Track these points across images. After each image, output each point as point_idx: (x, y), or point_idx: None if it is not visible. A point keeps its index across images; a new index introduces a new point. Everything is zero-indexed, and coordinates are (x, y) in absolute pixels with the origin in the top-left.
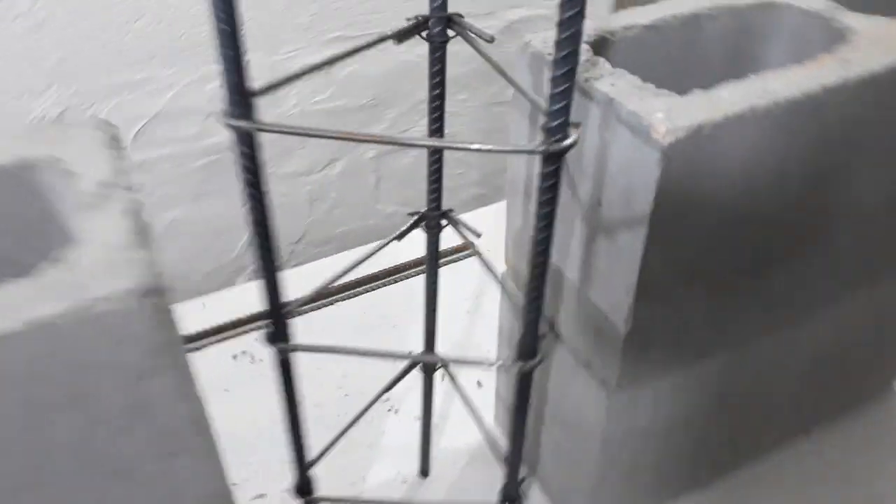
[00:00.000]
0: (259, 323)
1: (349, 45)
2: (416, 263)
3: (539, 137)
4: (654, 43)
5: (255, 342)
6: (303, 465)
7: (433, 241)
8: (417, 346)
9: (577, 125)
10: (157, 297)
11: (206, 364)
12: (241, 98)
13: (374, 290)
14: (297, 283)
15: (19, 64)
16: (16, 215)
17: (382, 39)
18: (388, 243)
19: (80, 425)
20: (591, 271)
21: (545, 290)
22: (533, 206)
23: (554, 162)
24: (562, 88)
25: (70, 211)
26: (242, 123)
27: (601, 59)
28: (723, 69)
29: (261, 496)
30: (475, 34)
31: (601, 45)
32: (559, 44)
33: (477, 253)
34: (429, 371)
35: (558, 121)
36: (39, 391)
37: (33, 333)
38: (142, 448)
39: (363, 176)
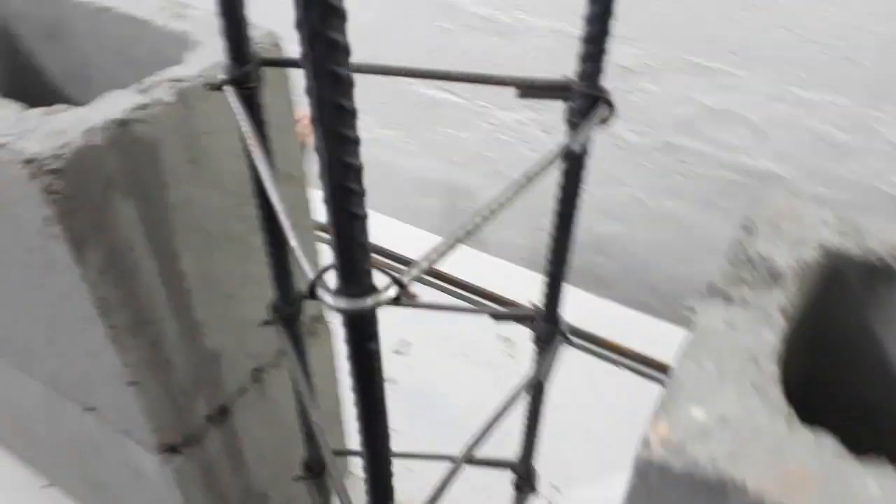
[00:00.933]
0: None
1: None
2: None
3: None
4: None
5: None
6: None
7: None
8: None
9: (399, 285)
10: (47, 176)
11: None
12: (238, 57)
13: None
14: None
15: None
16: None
17: (503, 82)
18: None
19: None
20: None
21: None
22: None
23: (353, 323)
24: (339, 244)
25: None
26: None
27: (780, 288)
28: None
29: None
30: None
31: (871, 272)
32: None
33: None
34: (523, 489)
35: (348, 277)
36: None
37: None
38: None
39: None
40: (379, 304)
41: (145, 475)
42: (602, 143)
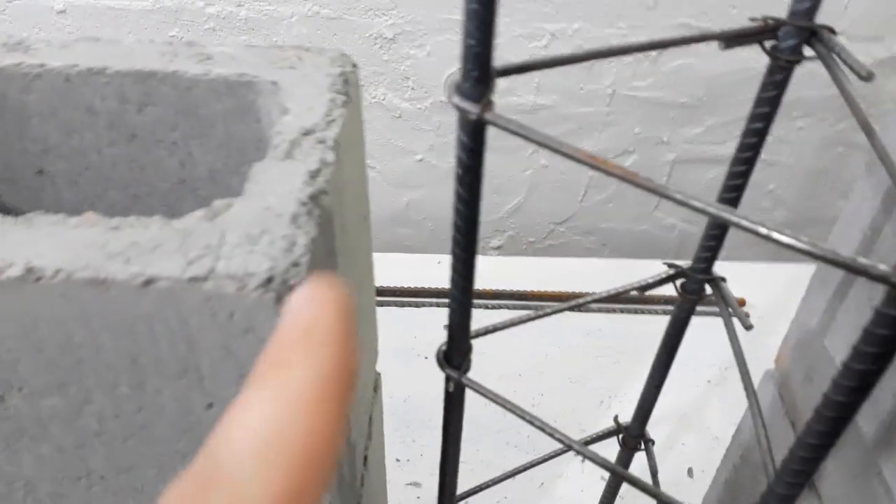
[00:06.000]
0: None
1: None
2: (662, 300)
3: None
4: None
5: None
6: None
7: (683, 310)
8: (626, 403)
9: None
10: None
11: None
12: (480, 75)
13: (599, 311)
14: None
15: None
16: (232, 133)
17: (703, 38)
18: (625, 292)
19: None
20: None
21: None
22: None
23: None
24: None
25: (260, 151)
26: (471, 107)
27: None
28: None
29: (415, 484)
30: (847, 64)
31: None
32: None
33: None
34: (629, 446)
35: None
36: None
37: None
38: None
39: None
40: None
41: None
42: (378, 117)
